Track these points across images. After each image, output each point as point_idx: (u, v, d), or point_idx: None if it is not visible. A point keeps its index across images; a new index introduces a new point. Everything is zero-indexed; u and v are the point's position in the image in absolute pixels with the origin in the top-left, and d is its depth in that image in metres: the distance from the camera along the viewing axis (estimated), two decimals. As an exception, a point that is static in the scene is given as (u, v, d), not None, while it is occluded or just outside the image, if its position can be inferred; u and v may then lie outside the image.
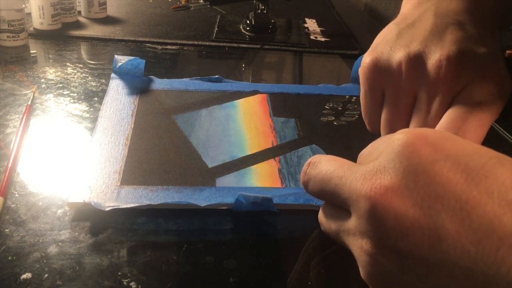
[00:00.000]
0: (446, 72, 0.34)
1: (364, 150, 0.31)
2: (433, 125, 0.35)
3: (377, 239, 0.25)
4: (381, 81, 0.38)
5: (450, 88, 0.35)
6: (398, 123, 0.38)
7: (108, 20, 0.85)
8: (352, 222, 0.27)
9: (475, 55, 0.35)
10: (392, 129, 0.38)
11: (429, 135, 0.26)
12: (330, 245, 0.36)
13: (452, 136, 0.27)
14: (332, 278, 0.34)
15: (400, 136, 0.26)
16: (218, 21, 0.89)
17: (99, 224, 0.36)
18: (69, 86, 0.59)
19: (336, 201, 0.29)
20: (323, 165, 0.30)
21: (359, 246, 0.26)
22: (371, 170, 0.26)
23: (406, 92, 0.37)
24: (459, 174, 0.24)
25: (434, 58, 0.35)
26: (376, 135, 0.40)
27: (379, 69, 0.38)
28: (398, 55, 0.37)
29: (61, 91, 0.57)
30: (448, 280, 0.23)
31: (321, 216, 0.32)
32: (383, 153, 0.26)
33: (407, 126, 0.37)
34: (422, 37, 0.36)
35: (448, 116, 0.34)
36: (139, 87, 0.57)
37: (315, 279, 0.33)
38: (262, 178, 0.42)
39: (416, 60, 0.36)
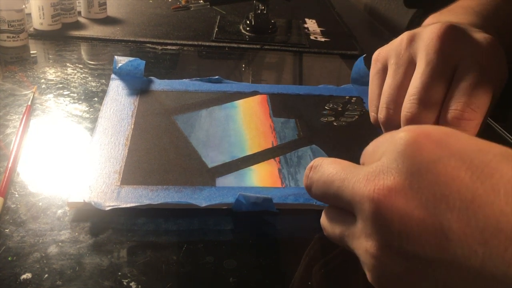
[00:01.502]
0: (439, 40, 0.36)
1: (367, 147, 0.30)
2: (429, 87, 0.36)
3: (383, 241, 0.24)
4: (386, 59, 0.41)
5: (447, 51, 0.36)
6: (398, 92, 0.38)
7: (108, 21, 0.85)
8: (356, 225, 0.27)
9: (470, 30, 0.38)
10: (391, 99, 0.39)
11: (432, 132, 0.26)
12: (330, 247, 0.36)
13: (456, 132, 0.27)
14: (332, 280, 0.34)
15: (402, 134, 0.26)
16: (218, 21, 0.89)
17: (99, 224, 0.36)
18: (69, 87, 0.59)
19: (340, 204, 0.29)
20: (325, 168, 0.30)
21: (364, 249, 0.26)
22: (374, 171, 0.26)
23: (406, 59, 0.38)
24: (464, 171, 0.23)
25: (432, 29, 0.38)
26: (377, 133, 0.40)
27: (385, 51, 0.41)
28: (401, 36, 0.40)
29: (61, 91, 0.57)
30: (456, 281, 0.23)
31: (324, 220, 0.32)
32: (386, 153, 0.26)
33: (404, 95, 0.38)
34: (423, 28, 0.39)
35: (457, 86, 0.36)
36: (139, 87, 0.57)
37: (316, 281, 0.33)
38: (262, 178, 0.42)
39: (416, 35, 0.39)
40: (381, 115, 0.39)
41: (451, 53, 0.36)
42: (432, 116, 0.36)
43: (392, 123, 0.39)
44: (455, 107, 0.35)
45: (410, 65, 0.38)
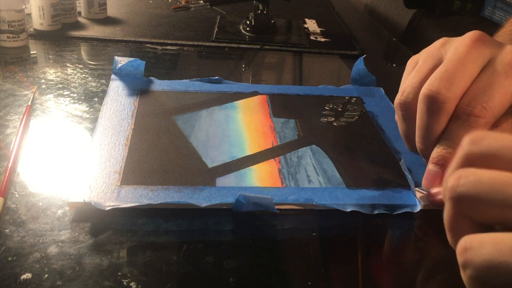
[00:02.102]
0: (470, 41, 0.38)
1: None
2: (453, 74, 0.37)
3: None
4: (418, 61, 0.42)
5: (477, 49, 0.37)
6: (419, 80, 0.39)
7: (108, 21, 0.85)
8: None
9: (503, 42, 0.39)
10: (408, 84, 0.40)
11: None
12: (330, 245, 0.36)
13: None
14: (332, 278, 0.34)
15: None
16: (218, 21, 0.89)
17: (99, 224, 0.36)
18: (69, 87, 0.59)
19: None
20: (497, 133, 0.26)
21: None
22: None
23: (435, 56, 0.40)
24: None
25: (467, 34, 0.39)
26: (377, 133, 0.40)
27: (419, 54, 0.42)
28: (436, 41, 0.41)
29: (61, 91, 0.57)
30: None
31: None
32: None
33: (422, 86, 0.38)
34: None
35: (476, 83, 0.37)
36: (139, 88, 0.57)
37: (316, 279, 0.33)
38: (262, 178, 0.42)
39: (451, 39, 0.40)
40: (397, 99, 0.41)
41: (481, 52, 0.37)
42: (450, 105, 0.37)
43: (408, 107, 0.40)
44: (467, 103, 0.36)
45: (438, 63, 0.39)
